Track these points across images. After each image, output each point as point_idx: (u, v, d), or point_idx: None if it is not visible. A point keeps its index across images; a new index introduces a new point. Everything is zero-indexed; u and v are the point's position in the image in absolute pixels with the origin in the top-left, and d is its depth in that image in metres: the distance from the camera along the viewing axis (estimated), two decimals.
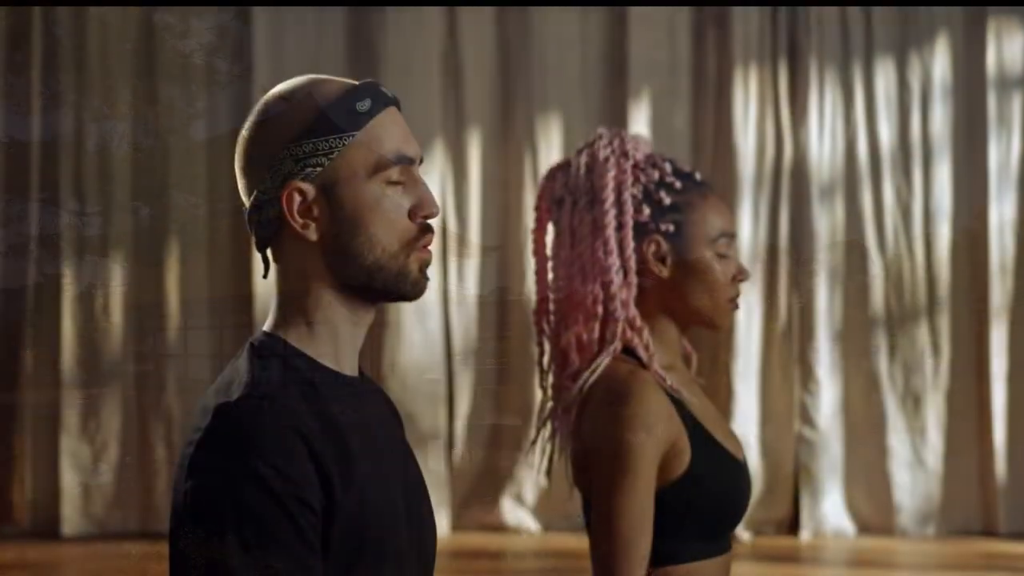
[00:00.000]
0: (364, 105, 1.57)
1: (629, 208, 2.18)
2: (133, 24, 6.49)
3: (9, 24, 6.48)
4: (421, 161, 1.62)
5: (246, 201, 1.60)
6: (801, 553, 6.06)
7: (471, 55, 6.53)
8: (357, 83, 1.59)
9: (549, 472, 2.27)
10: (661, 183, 2.20)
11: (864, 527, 6.37)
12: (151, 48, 6.51)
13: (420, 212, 1.59)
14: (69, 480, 6.34)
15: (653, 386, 2.09)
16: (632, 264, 2.18)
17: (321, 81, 1.59)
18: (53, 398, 6.40)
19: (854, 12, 6.42)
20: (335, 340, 1.59)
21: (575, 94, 6.53)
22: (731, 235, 2.22)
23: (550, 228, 2.29)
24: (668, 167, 2.22)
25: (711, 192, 2.23)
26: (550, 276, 2.28)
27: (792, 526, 6.35)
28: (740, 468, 2.16)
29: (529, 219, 6.44)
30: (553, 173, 2.29)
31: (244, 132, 1.60)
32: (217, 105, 6.52)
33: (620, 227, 2.19)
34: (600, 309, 2.19)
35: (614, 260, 2.17)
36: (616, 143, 2.23)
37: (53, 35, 6.47)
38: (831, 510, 6.32)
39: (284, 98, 1.58)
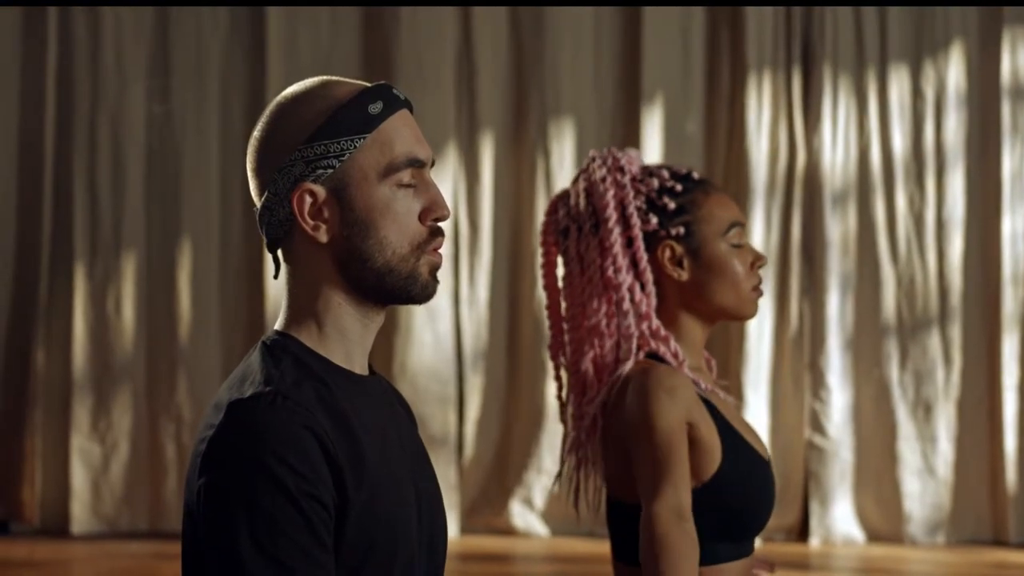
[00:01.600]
0: (376, 107, 1.57)
1: (636, 221, 2.19)
2: (148, 23, 6.51)
3: (24, 20, 6.51)
4: (433, 164, 1.62)
5: (257, 202, 1.61)
6: (810, 560, 6.05)
7: (485, 58, 6.54)
8: (369, 85, 1.60)
9: (577, 503, 2.27)
10: (662, 190, 2.22)
11: (874, 535, 6.36)
12: (165, 47, 6.53)
13: (431, 215, 1.59)
14: (79, 479, 6.36)
15: (674, 369, 2.10)
16: (649, 275, 2.19)
17: (333, 83, 1.60)
18: (64, 396, 6.41)
19: (869, 19, 6.41)
20: (345, 341, 1.60)
21: (588, 98, 6.54)
22: (741, 224, 2.23)
23: (559, 262, 2.30)
24: (665, 173, 2.24)
25: (712, 188, 2.25)
26: (563, 307, 2.28)
27: (801, 533, 6.34)
28: (768, 468, 2.17)
29: (540, 221, 6.45)
30: (554, 205, 2.30)
31: (256, 133, 1.60)
32: (231, 105, 6.54)
33: (631, 241, 2.20)
34: (614, 328, 2.19)
35: (624, 277, 2.18)
36: (610, 161, 2.25)
37: (68, 33, 6.49)
38: (841, 517, 6.32)
39: (296, 100, 1.59)
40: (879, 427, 6.37)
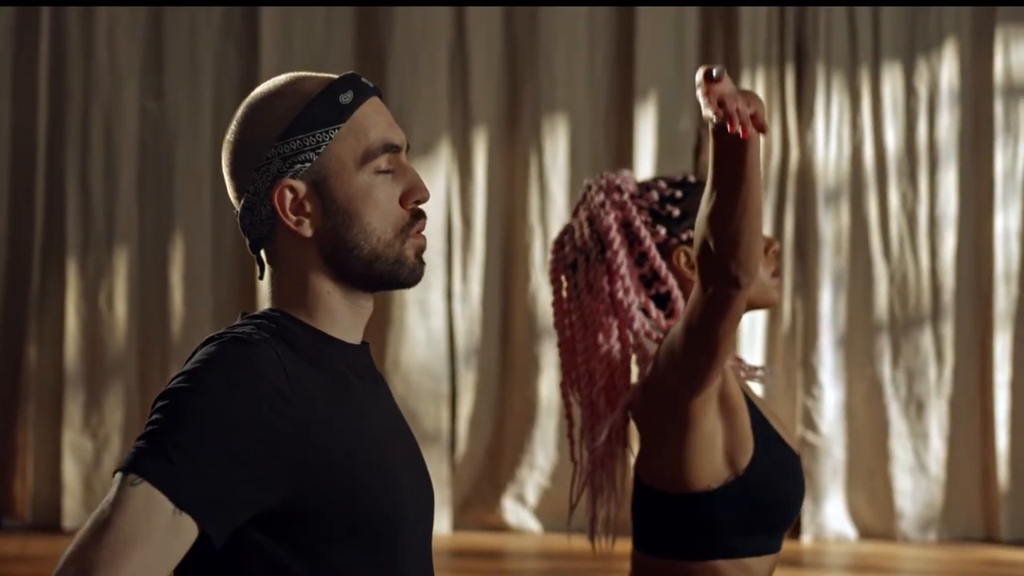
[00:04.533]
0: (347, 97, 1.58)
1: (644, 234, 2.20)
2: (141, 20, 6.50)
3: (18, 18, 6.49)
4: (408, 148, 1.63)
5: (237, 204, 1.62)
6: (802, 557, 6.06)
7: (478, 55, 6.54)
8: (337, 76, 1.60)
9: (593, 536, 2.27)
10: (663, 199, 2.23)
11: (866, 532, 6.36)
12: (159, 45, 6.52)
13: (411, 198, 1.60)
14: (71, 474, 6.35)
15: None
16: (672, 282, 2.19)
17: (302, 78, 1.61)
18: (56, 391, 6.40)
19: (862, 17, 6.42)
20: (336, 326, 1.60)
21: (582, 95, 6.54)
22: None
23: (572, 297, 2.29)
24: (662, 183, 2.25)
25: None
26: (577, 341, 2.27)
27: (793, 530, 6.35)
28: (798, 462, 2.17)
29: (534, 218, 6.48)
30: (559, 242, 2.30)
31: (229, 136, 1.62)
32: (224, 103, 6.53)
33: (643, 257, 2.20)
34: (629, 352, 2.19)
35: (632, 298, 2.18)
36: (604, 183, 2.26)
37: (61, 29, 6.48)
38: (833, 515, 6.32)
39: (267, 98, 1.60)
40: (871, 424, 6.37)
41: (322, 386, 1.52)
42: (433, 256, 6.37)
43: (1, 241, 6.50)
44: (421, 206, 1.61)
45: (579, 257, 2.25)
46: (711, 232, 1.86)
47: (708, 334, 1.95)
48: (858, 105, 6.43)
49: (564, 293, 2.29)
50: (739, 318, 1.97)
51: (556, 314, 2.30)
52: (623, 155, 6.45)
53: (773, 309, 6.37)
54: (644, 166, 6.36)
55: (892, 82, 6.43)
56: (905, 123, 6.43)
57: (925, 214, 6.40)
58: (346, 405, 1.54)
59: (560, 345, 2.29)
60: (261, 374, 1.46)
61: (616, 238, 2.20)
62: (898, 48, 6.44)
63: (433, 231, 6.36)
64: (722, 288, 1.91)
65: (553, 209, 6.44)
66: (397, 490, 1.55)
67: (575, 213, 2.28)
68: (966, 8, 6.41)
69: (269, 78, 1.66)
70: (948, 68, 6.42)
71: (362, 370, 1.62)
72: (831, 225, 6.38)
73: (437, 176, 6.40)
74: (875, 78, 6.43)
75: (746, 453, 2.08)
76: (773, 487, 2.10)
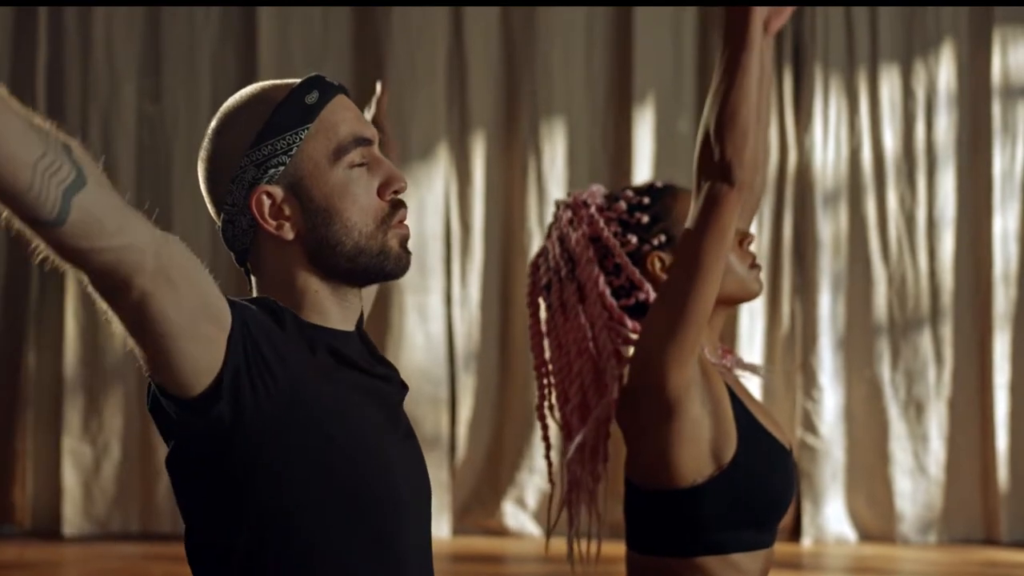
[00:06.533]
0: (312, 97, 1.59)
1: (614, 244, 2.20)
2: (139, 20, 6.50)
3: (15, 18, 6.50)
4: (381, 142, 1.64)
5: (217, 219, 1.63)
6: (803, 560, 6.06)
7: (476, 57, 6.54)
8: (300, 79, 1.61)
9: (571, 554, 2.27)
10: (632, 207, 2.24)
11: (866, 534, 6.36)
12: (157, 45, 6.52)
13: (389, 188, 1.60)
14: (71, 480, 6.35)
15: None
16: (648, 288, 2.19)
17: (268, 86, 1.62)
18: (55, 398, 6.40)
19: (860, 18, 6.42)
20: (327, 322, 1.60)
21: (580, 98, 6.54)
22: None
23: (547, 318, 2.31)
24: (629, 192, 2.27)
25: (678, 189, 2.27)
26: (552, 362, 2.28)
27: (794, 532, 6.35)
28: (788, 457, 2.17)
29: (532, 221, 6.47)
30: (535, 264, 2.32)
31: (202, 153, 1.63)
32: (222, 105, 6.53)
33: (618, 268, 2.20)
34: (603, 366, 2.19)
35: (604, 312, 2.19)
36: (571, 200, 2.28)
37: (59, 29, 6.48)
38: (833, 517, 6.32)
39: (235, 110, 1.61)
40: (871, 427, 6.37)
41: (306, 359, 1.53)
42: (432, 260, 6.37)
43: (0, 247, 6.50)
44: (400, 196, 1.61)
45: (553, 278, 2.26)
46: (712, 107, 1.94)
47: (695, 252, 1.97)
48: (856, 107, 6.43)
49: (542, 315, 2.29)
50: (726, 237, 1.97)
51: (532, 337, 2.31)
52: (621, 158, 6.45)
53: (771, 310, 6.38)
54: (642, 169, 6.36)
55: (890, 84, 6.43)
56: (903, 125, 6.43)
57: (924, 216, 6.40)
58: (334, 384, 1.55)
59: (536, 369, 2.30)
60: (268, 322, 1.52)
61: (584, 254, 2.20)
62: (896, 49, 6.44)
63: (432, 235, 6.36)
64: (715, 182, 1.94)
65: (551, 212, 6.43)
66: (392, 475, 1.55)
67: (548, 234, 2.30)
68: (963, 9, 6.41)
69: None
70: (946, 69, 6.42)
71: (357, 353, 1.62)
72: (830, 227, 6.38)
73: (435, 180, 6.40)
74: (873, 80, 6.44)
75: (730, 446, 2.07)
76: (759, 480, 2.09)
